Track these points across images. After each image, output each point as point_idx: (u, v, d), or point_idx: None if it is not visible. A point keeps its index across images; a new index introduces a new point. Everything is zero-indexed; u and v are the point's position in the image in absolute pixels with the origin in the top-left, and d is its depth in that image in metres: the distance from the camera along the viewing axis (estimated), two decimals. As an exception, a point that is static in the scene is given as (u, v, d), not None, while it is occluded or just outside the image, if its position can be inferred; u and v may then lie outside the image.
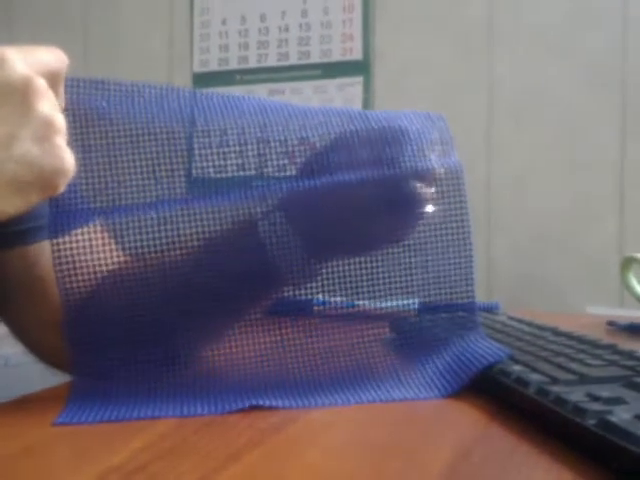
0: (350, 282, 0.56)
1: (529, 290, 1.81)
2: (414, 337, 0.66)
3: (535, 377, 0.46)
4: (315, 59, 2.05)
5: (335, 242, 0.56)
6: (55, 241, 0.52)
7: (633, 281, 0.88)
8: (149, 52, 2.19)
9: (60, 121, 0.43)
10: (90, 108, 0.49)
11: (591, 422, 0.37)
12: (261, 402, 0.47)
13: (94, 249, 0.54)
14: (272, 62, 2.09)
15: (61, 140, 0.43)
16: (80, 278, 0.53)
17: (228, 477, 0.36)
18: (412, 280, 0.57)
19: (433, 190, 0.56)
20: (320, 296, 0.59)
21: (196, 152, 0.53)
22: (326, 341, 0.56)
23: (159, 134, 0.51)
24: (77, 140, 0.48)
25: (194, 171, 0.52)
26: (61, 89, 0.46)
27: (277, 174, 0.54)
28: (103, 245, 0.56)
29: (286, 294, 0.58)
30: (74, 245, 0.53)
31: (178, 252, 0.55)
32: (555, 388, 0.43)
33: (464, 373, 0.51)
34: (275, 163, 0.55)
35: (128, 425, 0.45)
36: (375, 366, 0.55)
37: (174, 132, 0.52)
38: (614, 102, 1.78)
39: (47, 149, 0.42)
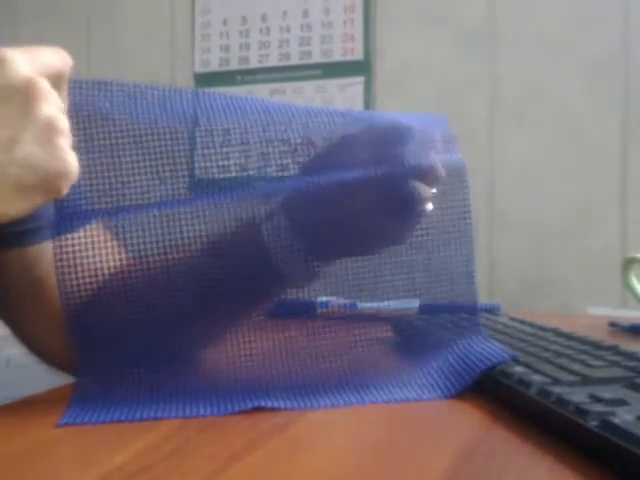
0: (353, 283, 0.56)
1: (530, 291, 1.81)
2: (416, 338, 0.66)
3: (537, 378, 0.46)
4: (316, 59, 2.05)
5: (337, 243, 0.56)
6: (57, 241, 0.52)
7: (635, 282, 0.88)
8: (150, 52, 2.19)
9: (63, 123, 0.43)
10: (93, 109, 0.49)
11: (593, 423, 0.37)
12: (263, 403, 0.47)
13: (96, 249, 0.54)
14: (273, 62, 2.09)
15: (64, 142, 0.42)
16: (82, 278, 0.53)
17: (230, 478, 0.36)
18: (414, 280, 0.57)
19: (435, 188, 0.56)
20: (323, 298, 0.59)
21: (199, 151, 0.53)
22: (328, 342, 0.56)
23: (162, 134, 0.51)
24: (80, 142, 0.48)
25: (197, 171, 0.52)
26: (64, 90, 0.46)
27: (280, 173, 0.54)
28: (105, 246, 0.56)
29: (289, 296, 0.58)
30: (76, 245, 0.53)
31: (181, 254, 0.56)
32: (557, 389, 0.43)
33: (467, 374, 0.51)
34: (278, 162, 0.55)
35: (130, 426, 0.45)
36: (377, 367, 0.55)
37: (177, 132, 0.52)
38: (616, 102, 1.78)
39: (50, 151, 0.42)
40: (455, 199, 0.56)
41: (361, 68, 2.00)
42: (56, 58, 0.45)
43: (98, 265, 0.55)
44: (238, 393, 0.49)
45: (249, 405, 0.47)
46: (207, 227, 0.53)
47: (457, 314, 0.65)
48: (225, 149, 0.53)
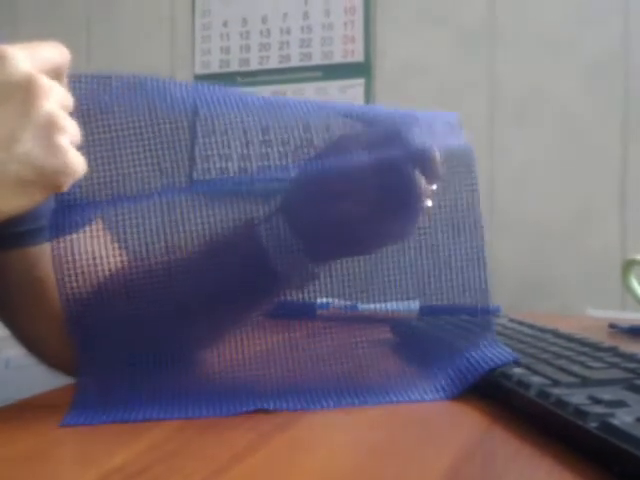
0: (357, 284, 0.56)
1: (530, 292, 1.81)
2: (418, 340, 0.66)
3: (536, 379, 0.46)
4: (316, 61, 2.05)
5: (336, 242, 0.56)
6: (55, 240, 0.52)
7: (634, 283, 0.88)
8: (151, 53, 2.19)
9: (63, 120, 0.43)
10: (93, 103, 0.49)
11: (593, 425, 0.37)
12: (265, 405, 0.47)
13: (96, 250, 0.54)
14: (273, 64, 2.09)
15: (64, 139, 0.42)
16: (81, 279, 0.53)
17: (231, 479, 0.36)
18: (420, 280, 0.56)
19: (436, 182, 0.55)
20: (324, 299, 0.59)
21: (199, 140, 0.53)
22: (329, 344, 0.56)
23: (162, 125, 0.51)
24: (81, 136, 0.48)
25: (198, 159, 0.52)
26: (63, 84, 0.46)
27: (280, 161, 0.54)
28: (105, 246, 0.56)
29: (289, 297, 0.57)
30: (75, 246, 0.53)
31: (180, 254, 0.55)
32: (556, 391, 0.43)
33: (470, 375, 0.51)
34: (277, 163, 0.54)
35: (130, 427, 0.45)
36: (378, 369, 0.55)
37: (177, 122, 0.52)
38: (616, 102, 1.78)
39: (49, 148, 0.42)
40: (462, 185, 0.55)
41: (361, 70, 2.00)
42: (55, 52, 0.45)
43: (98, 265, 0.55)
44: (239, 394, 0.49)
45: (250, 407, 0.47)
46: (205, 227, 0.53)
47: (458, 316, 0.65)
48: (226, 136, 0.53)
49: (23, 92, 0.42)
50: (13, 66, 0.42)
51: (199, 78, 2.16)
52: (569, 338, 0.60)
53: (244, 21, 2.13)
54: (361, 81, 2.00)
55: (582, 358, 0.51)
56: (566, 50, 1.82)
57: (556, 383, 0.45)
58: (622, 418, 0.36)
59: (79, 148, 0.44)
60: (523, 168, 1.84)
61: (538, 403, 0.43)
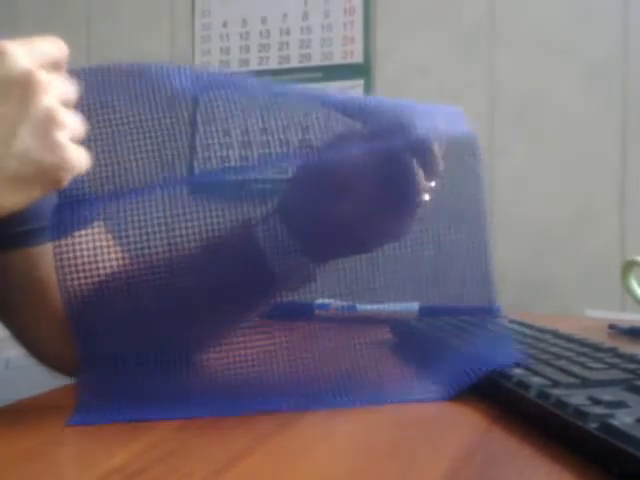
0: (358, 284, 0.55)
1: (529, 293, 1.81)
2: (416, 340, 0.66)
3: (536, 380, 0.46)
4: (316, 62, 2.05)
5: (333, 242, 0.55)
6: (57, 238, 0.52)
7: (634, 284, 0.88)
8: (151, 53, 2.19)
9: (62, 115, 0.43)
10: (92, 97, 0.49)
11: (593, 426, 0.37)
12: (264, 406, 0.47)
13: (97, 249, 0.54)
14: (273, 65, 2.09)
15: (63, 135, 0.42)
16: (82, 276, 0.53)
17: (230, 479, 0.36)
18: (423, 278, 0.55)
19: (438, 165, 0.53)
20: (324, 300, 0.59)
21: (200, 127, 0.53)
22: (328, 344, 0.56)
23: (162, 115, 0.51)
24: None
25: (198, 148, 0.52)
26: (63, 78, 0.46)
27: (281, 149, 0.53)
28: (107, 245, 0.56)
29: (287, 298, 0.57)
30: (77, 244, 0.53)
31: (177, 254, 0.55)
32: (556, 391, 0.43)
33: (470, 375, 0.50)
34: (281, 136, 0.54)
35: (130, 427, 0.45)
36: (377, 369, 0.55)
37: (177, 112, 0.52)
38: (615, 104, 1.78)
39: (47, 144, 0.42)
40: (467, 173, 0.54)
41: (361, 71, 2.00)
42: (53, 47, 0.44)
43: (99, 263, 0.55)
44: (238, 395, 0.49)
45: (249, 408, 0.47)
46: (205, 228, 0.53)
47: (458, 316, 0.65)
48: (226, 127, 0.53)
49: (22, 88, 0.42)
50: (12, 62, 0.42)
51: (198, 78, 2.15)
52: (569, 339, 0.60)
53: (244, 21, 2.13)
54: (361, 82, 2.00)
55: (582, 359, 0.51)
56: (566, 51, 1.82)
57: (556, 384, 0.45)
58: (622, 419, 0.36)
59: (82, 142, 0.44)
60: (523, 168, 1.84)
61: (538, 404, 0.43)
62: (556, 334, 0.63)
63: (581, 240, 1.79)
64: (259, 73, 2.10)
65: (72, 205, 0.50)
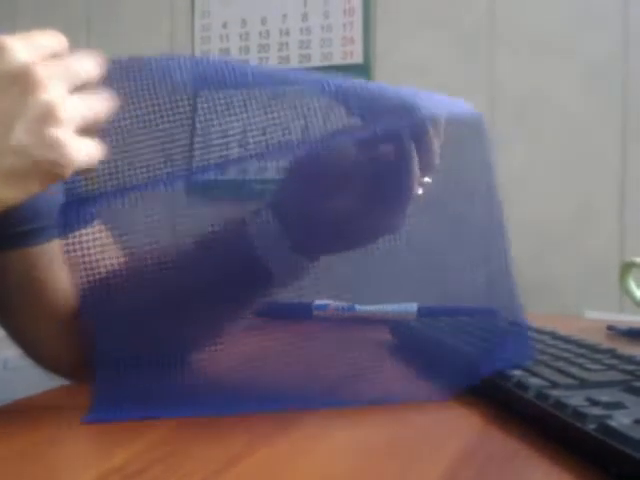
0: (361, 284, 0.55)
1: (528, 293, 1.81)
2: (415, 341, 0.66)
3: (535, 381, 0.46)
4: (316, 62, 2.05)
5: (326, 236, 0.55)
6: (67, 234, 0.51)
7: (632, 286, 0.88)
8: (150, 54, 2.19)
9: (62, 111, 0.42)
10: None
11: (591, 426, 0.37)
12: (264, 406, 0.47)
13: (98, 247, 0.54)
14: (273, 65, 2.09)
15: (60, 131, 0.42)
16: (91, 274, 0.53)
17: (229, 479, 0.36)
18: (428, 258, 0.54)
19: (435, 151, 0.52)
20: (323, 301, 0.59)
21: (200, 118, 0.52)
22: (327, 345, 0.56)
23: (163, 108, 0.51)
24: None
25: (199, 137, 0.52)
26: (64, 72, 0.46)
27: (283, 137, 0.53)
28: (109, 243, 0.55)
29: (284, 294, 0.57)
30: (84, 242, 0.53)
31: (172, 252, 0.55)
32: (555, 392, 0.43)
33: (469, 376, 0.50)
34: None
35: (130, 427, 0.45)
36: (376, 370, 0.55)
37: (178, 104, 0.51)
38: (615, 104, 1.78)
39: (43, 141, 0.41)
40: (474, 152, 0.52)
41: (361, 71, 2.00)
42: (54, 41, 0.44)
43: (107, 262, 0.55)
44: (238, 395, 0.49)
45: (249, 408, 0.47)
46: (202, 225, 0.53)
47: (457, 317, 0.65)
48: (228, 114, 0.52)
49: (20, 83, 0.41)
50: (11, 56, 0.42)
51: (198, 79, 2.16)
52: (567, 340, 0.60)
53: (243, 22, 2.13)
54: (360, 83, 2.00)
55: (580, 360, 0.51)
56: (565, 51, 1.82)
57: (554, 385, 0.45)
58: (620, 420, 0.36)
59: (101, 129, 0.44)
60: (523, 168, 1.84)
61: (537, 405, 0.43)
62: (554, 335, 0.63)
63: (581, 240, 1.79)
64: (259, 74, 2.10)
65: (78, 202, 0.50)
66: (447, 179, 0.53)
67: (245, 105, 0.52)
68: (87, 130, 0.44)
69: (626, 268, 0.88)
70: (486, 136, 0.52)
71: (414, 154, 0.51)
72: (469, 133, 0.53)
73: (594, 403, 0.40)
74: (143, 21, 2.23)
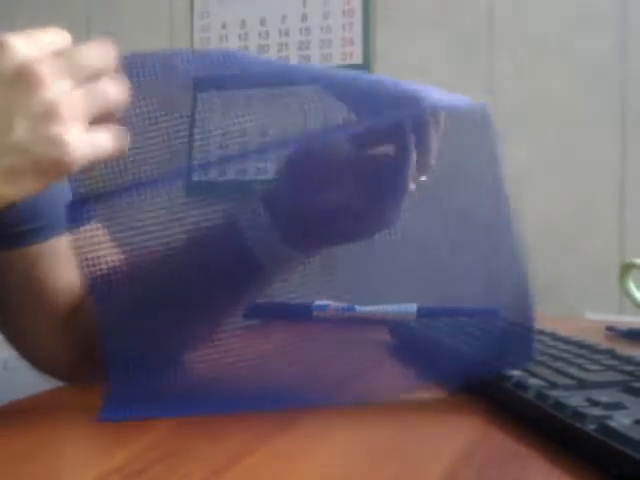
0: (362, 284, 0.55)
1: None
2: (414, 341, 0.66)
3: (534, 382, 0.46)
4: (315, 63, 2.05)
5: (320, 231, 0.54)
6: (77, 229, 0.51)
7: (632, 287, 0.88)
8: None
9: (63, 109, 0.42)
10: None
11: (591, 427, 0.37)
12: (265, 406, 0.47)
13: (95, 246, 0.54)
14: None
15: (62, 129, 0.42)
16: (88, 272, 0.53)
17: (229, 479, 0.36)
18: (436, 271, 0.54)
19: (433, 144, 0.51)
20: (322, 301, 0.59)
21: (199, 116, 0.52)
22: (327, 345, 0.56)
23: (164, 106, 0.51)
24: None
25: (197, 134, 0.52)
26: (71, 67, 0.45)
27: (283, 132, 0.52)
28: (105, 240, 0.55)
29: (289, 299, 0.57)
30: (83, 239, 0.52)
31: (168, 248, 0.55)
32: (554, 393, 0.43)
33: (468, 376, 0.50)
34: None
35: (130, 427, 0.45)
36: (375, 370, 0.55)
37: (178, 101, 0.51)
38: (614, 105, 1.78)
39: (43, 138, 0.41)
40: (479, 142, 0.51)
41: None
42: (57, 38, 0.44)
43: (101, 260, 0.55)
44: (237, 395, 0.49)
45: (248, 407, 0.47)
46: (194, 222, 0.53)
47: (456, 317, 0.65)
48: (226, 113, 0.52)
49: (22, 80, 0.41)
50: (13, 54, 0.41)
51: (198, 79, 2.16)
52: (567, 341, 0.60)
53: (243, 23, 2.13)
54: (360, 83, 2.00)
55: (580, 361, 0.51)
56: (565, 51, 1.82)
57: (554, 385, 0.45)
58: (620, 420, 0.36)
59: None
60: (523, 168, 1.84)
61: (536, 405, 0.43)
62: (554, 336, 0.63)
63: (580, 241, 1.80)
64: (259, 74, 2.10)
65: (82, 200, 0.49)
66: (451, 172, 0.53)
67: (245, 102, 0.52)
68: (102, 121, 0.44)
69: (626, 269, 0.88)
70: (492, 127, 0.51)
71: (412, 147, 0.51)
72: (473, 124, 0.52)
73: (594, 403, 0.40)
74: (143, 21, 2.23)
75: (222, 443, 0.42)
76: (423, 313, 0.77)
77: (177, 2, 2.20)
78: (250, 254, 0.54)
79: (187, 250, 0.56)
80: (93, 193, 0.49)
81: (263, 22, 2.10)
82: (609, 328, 0.82)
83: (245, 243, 0.54)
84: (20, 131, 0.41)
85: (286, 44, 2.08)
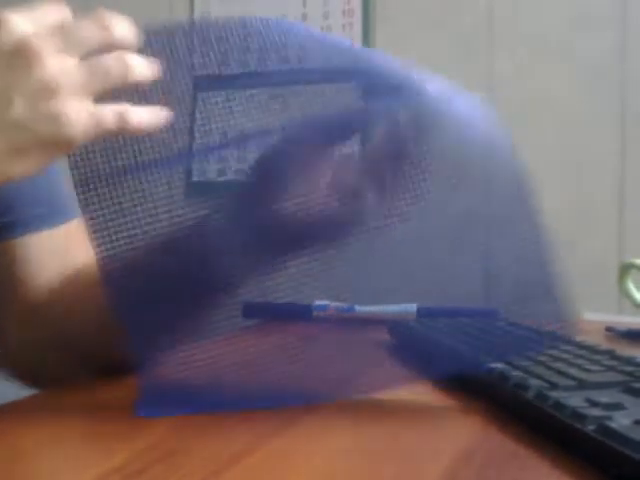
0: (363, 283, 0.55)
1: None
2: (414, 341, 0.66)
3: (534, 382, 0.46)
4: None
5: (284, 235, 0.54)
6: (88, 214, 0.51)
7: (631, 287, 0.88)
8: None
9: (62, 84, 0.41)
10: None
11: (590, 428, 0.37)
12: (264, 405, 0.47)
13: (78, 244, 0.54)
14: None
15: (61, 104, 0.41)
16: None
17: (229, 479, 0.36)
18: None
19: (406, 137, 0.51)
20: (322, 301, 0.59)
21: (200, 102, 0.52)
22: (327, 344, 0.56)
23: (165, 87, 0.51)
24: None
25: (198, 120, 0.52)
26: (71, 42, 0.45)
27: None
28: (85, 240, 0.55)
29: (287, 298, 0.57)
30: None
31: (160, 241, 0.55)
32: (554, 393, 0.43)
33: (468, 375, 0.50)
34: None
35: (130, 426, 0.45)
36: (374, 370, 0.55)
37: (180, 83, 0.51)
38: (614, 105, 1.78)
39: (42, 114, 0.41)
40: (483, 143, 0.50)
41: (360, 72, 2.00)
42: (56, 13, 0.44)
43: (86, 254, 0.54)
44: (236, 395, 0.49)
45: (248, 406, 0.47)
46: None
47: (456, 318, 0.65)
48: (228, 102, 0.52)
49: (20, 56, 0.41)
50: (10, 30, 0.41)
51: (197, 79, 2.16)
52: (566, 341, 0.60)
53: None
54: (360, 83, 2.00)
55: (579, 361, 0.51)
56: (564, 52, 1.82)
57: (554, 386, 0.45)
58: (619, 421, 0.37)
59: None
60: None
61: (536, 406, 0.43)
62: (554, 336, 0.63)
63: (579, 241, 1.79)
64: (258, 74, 2.10)
65: (91, 183, 0.49)
66: (456, 169, 0.52)
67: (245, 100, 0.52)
68: (109, 95, 0.43)
69: (625, 269, 0.88)
70: (495, 120, 0.51)
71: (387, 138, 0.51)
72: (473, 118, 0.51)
73: (593, 404, 0.40)
74: (143, 21, 2.23)
75: (222, 443, 0.42)
76: (423, 313, 0.77)
77: (177, 1, 2.20)
78: (218, 259, 0.53)
79: (168, 242, 0.55)
80: (92, 180, 0.49)
81: (263, 22, 2.10)
82: (608, 328, 0.82)
83: (211, 247, 0.53)
84: (19, 108, 0.41)
85: (286, 44, 2.08)
